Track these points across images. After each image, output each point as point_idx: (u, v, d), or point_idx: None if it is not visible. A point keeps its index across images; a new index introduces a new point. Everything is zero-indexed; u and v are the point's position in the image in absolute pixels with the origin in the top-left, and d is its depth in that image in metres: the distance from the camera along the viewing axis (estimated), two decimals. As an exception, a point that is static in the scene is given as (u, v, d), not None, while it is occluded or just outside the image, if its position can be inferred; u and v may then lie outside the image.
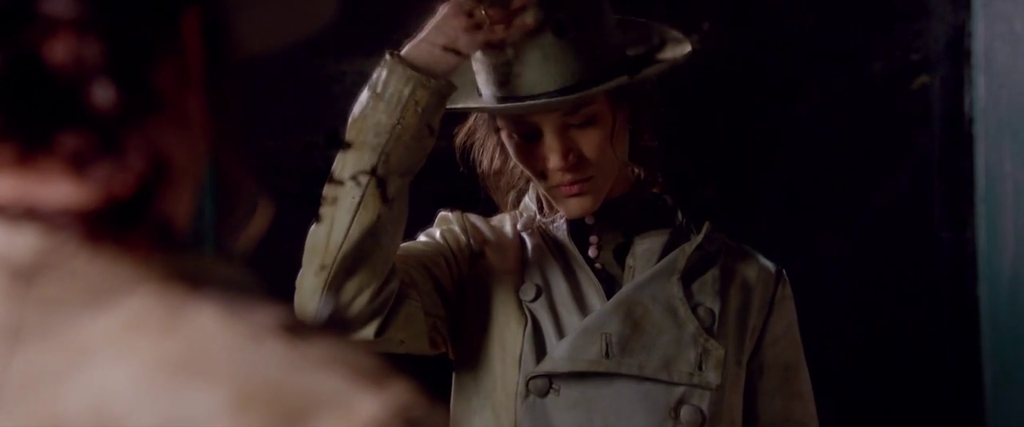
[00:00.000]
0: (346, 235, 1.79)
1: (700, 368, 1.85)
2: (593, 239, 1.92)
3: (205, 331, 0.75)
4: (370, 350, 0.78)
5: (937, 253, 3.12)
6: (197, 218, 0.84)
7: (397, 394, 0.75)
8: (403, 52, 1.78)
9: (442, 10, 1.78)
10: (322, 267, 1.78)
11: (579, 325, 1.85)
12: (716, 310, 1.88)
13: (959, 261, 3.12)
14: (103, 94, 0.76)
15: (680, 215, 1.95)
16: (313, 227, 1.83)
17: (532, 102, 1.78)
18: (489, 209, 1.98)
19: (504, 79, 1.80)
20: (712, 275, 1.90)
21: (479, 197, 1.98)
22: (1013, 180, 2.95)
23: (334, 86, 3.06)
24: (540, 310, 1.88)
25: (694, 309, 1.87)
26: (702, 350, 1.85)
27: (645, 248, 1.91)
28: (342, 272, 1.77)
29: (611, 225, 1.91)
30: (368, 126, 1.78)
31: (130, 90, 0.77)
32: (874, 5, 3.14)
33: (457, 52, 1.75)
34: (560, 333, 1.87)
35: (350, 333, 1.71)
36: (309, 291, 1.77)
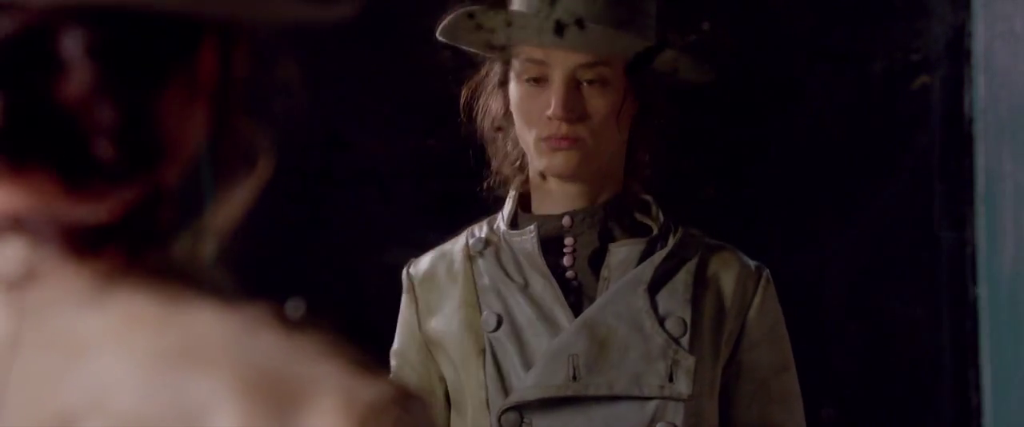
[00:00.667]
0: None
1: (671, 379, 1.80)
2: (568, 244, 1.87)
3: (201, 324, 0.76)
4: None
5: (937, 253, 3.12)
6: (197, 176, 0.84)
7: (391, 382, 0.76)
8: None
9: None
10: None
11: (545, 350, 1.81)
12: (687, 318, 1.83)
13: (959, 261, 3.12)
14: (106, 148, 0.76)
15: (661, 218, 1.90)
16: None
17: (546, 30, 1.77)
18: (489, 209, 1.97)
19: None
20: (683, 282, 1.85)
21: (479, 197, 1.98)
22: (1013, 180, 2.95)
23: (334, 86, 3.06)
24: (503, 340, 1.83)
25: (662, 321, 1.82)
26: (672, 361, 1.80)
27: (621, 259, 1.86)
28: None
29: (588, 229, 1.87)
30: None
31: (134, 144, 0.77)
32: (874, 5, 3.14)
33: None
34: (525, 360, 1.82)
35: None
36: None
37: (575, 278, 1.86)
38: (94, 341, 0.74)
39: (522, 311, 1.83)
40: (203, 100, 0.81)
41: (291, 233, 3.04)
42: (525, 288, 1.84)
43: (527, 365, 1.81)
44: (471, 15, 1.81)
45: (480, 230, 1.92)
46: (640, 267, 1.84)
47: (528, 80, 1.81)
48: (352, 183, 3.08)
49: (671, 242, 1.86)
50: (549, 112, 1.78)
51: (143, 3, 0.75)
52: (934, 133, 3.12)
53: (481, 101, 1.90)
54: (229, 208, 0.82)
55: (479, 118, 1.90)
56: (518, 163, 1.90)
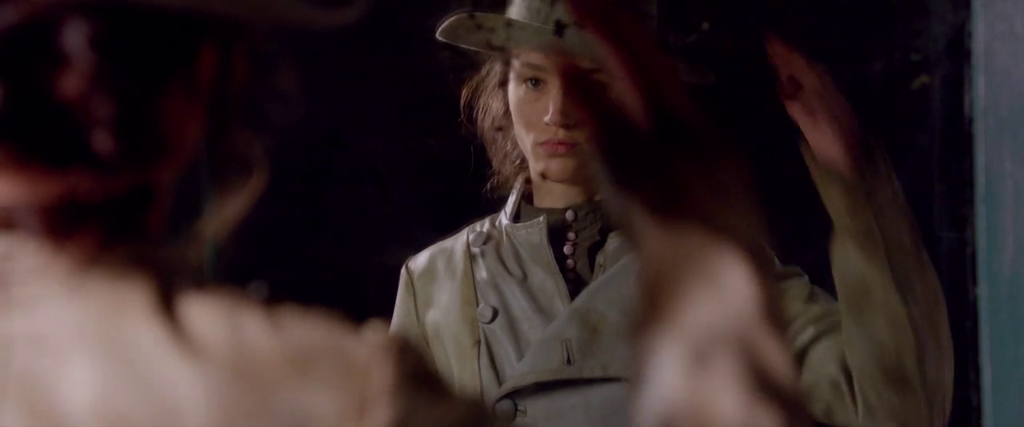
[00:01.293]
0: None
1: None
2: (570, 238, 1.89)
3: (188, 312, 0.75)
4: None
5: (937, 253, 3.12)
6: (194, 184, 0.84)
7: (379, 333, 0.78)
8: None
9: None
10: None
11: (538, 337, 1.82)
12: None
13: (959, 261, 3.12)
14: (104, 141, 0.76)
15: None
16: None
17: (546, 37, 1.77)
18: (489, 209, 1.98)
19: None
20: None
21: (479, 197, 1.98)
22: (1013, 180, 2.95)
23: (334, 86, 3.06)
24: (498, 332, 1.84)
25: None
26: None
27: (615, 246, 1.87)
28: None
29: (590, 224, 1.89)
30: None
31: (132, 139, 0.77)
32: (874, 5, 3.14)
33: None
34: (519, 351, 1.83)
35: None
36: None
37: (573, 269, 1.88)
38: (84, 334, 0.74)
39: (518, 303, 1.85)
40: (201, 103, 0.81)
41: (291, 233, 3.04)
42: (523, 281, 1.86)
43: (521, 356, 1.82)
44: (472, 16, 1.82)
45: (482, 226, 1.94)
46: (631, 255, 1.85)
47: (527, 82, 1.82)
48: (352, 183, 3.08)
49: None
50: (547, 118, 1.79)
51: None
52: (934, 133, 3.12)
53: (481, 101, 1.91)
54: (224, 215, 0.82)
55: (479, 118, 1.92)
56: (519, 162, 1.92)
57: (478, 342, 1.83)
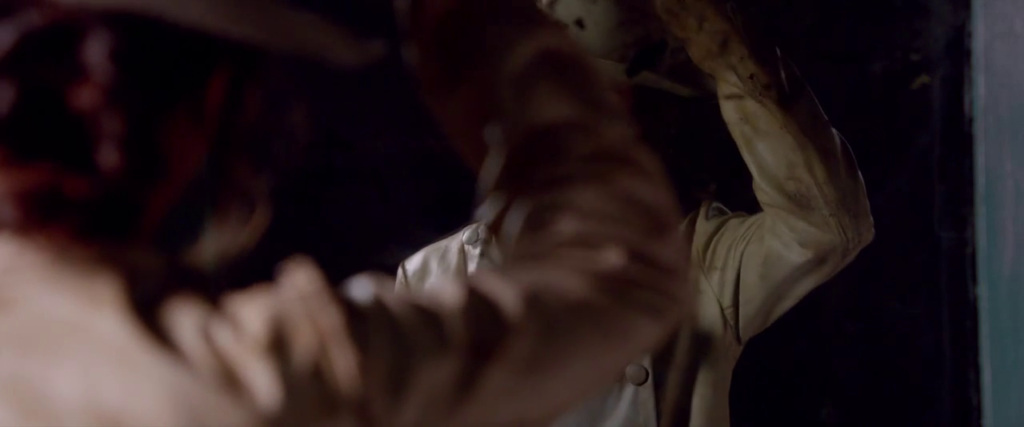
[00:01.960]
0: None
1: None
2: None
3: (163, 309, 0.75)
4: None
5: (937, 253, 3.12)
6: (195, 218, 0.84)
7: (310, 279, 0.79)
8: None
9: None
10: None
11: None
12: None
13: (959, 261, 3.12)
14: (109, 156, 0.76)
15: None
16: None
17: None
18: (489, 209, 1.98)
19: None
20: None
21: (479, 197, 1.98)
22: (1013, 180, 2.95)
23: (334, 86, 3.06)
24: None
25: None
26: None
27: None
28: None
29: None
30: None
31: (137, 157, 0.77)
32: (874, 5, 3.14)
33: None
34: None
35: None
36: None
37: None
38: (70, 332, 0.74)
39: None
40: (206, 132, 0.81)
41: (291, 233, 3.04)
42: None
43: None
44: None
45: (478, 225, 1.94)
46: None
47: None
48: (352, 183, 3.08)
49: None
50: None
51: (169, 12, 0.75)
52: (934, 133, 3.12)
53: None
54: (220, 247, 0.82)
55: None
56: None
57: None
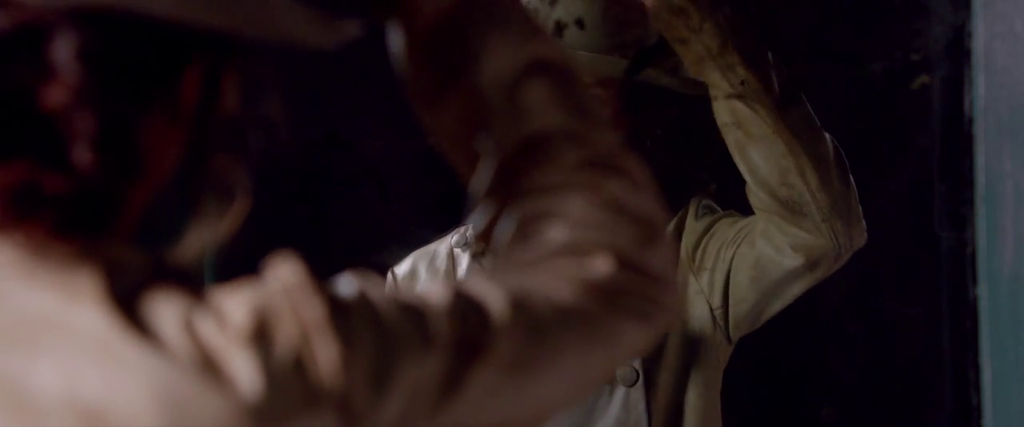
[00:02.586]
0: None
1: None
2: None
3: (143, 303, 0.75)
4: None
5: (937, 253, 3.12)
6: (176, 212, 0.84)
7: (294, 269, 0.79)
8: None
9: None
10: None
11: None
12: None
13: (959, 261, 3.12)
14: (83, 154, 0.76)
15: None
16: None
17: None
18: (489, 209, 1.97)
19: None
20: None
21: (472, 201, 1.98)
22: (1013, 180, 2.95)
23: (334, 86, 3.06)
24: None
25: None
26: None
27: None
28: None
29: None
30: None
31: (111, 155, 0.77)
32: (874, 5, 3.14)
33: None
34: None
35: None
36: None
37: None
38: (48, 328, 0.74)
39: None
40: (184, 127, 0.81)
41: (291, 233, 3.04)
42: None
43: None
44: None
45: (466, 229, 1.94)
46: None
47: None
48: (352, 183, 3.08)
49: None
50: None
51: (138, 7, 0.75)
52: (934, 133, 3.12)
53: None
54: (201, 238, 0.82)
55: None
56: None
57: None
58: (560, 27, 1.75)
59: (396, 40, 0.94)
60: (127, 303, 0.74)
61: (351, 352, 0.75)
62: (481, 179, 0.90)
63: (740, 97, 1.77)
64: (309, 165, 3.05)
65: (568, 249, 0.86)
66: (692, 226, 1.93)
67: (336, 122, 3.03)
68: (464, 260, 1.90)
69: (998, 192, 3.01)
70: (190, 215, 0.82)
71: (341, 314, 0.76)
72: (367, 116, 3.03)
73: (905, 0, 3.13)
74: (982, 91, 3.07)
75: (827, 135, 1.88)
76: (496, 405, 0.80)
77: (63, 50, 0.75)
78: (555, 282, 0.83)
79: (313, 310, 0.75)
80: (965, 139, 3.10)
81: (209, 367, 0.73)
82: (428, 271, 1.92)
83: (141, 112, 0.78)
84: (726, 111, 1.81)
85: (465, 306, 0.80)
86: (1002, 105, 2.99)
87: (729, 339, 1.89)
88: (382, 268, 2.05)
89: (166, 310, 0.74)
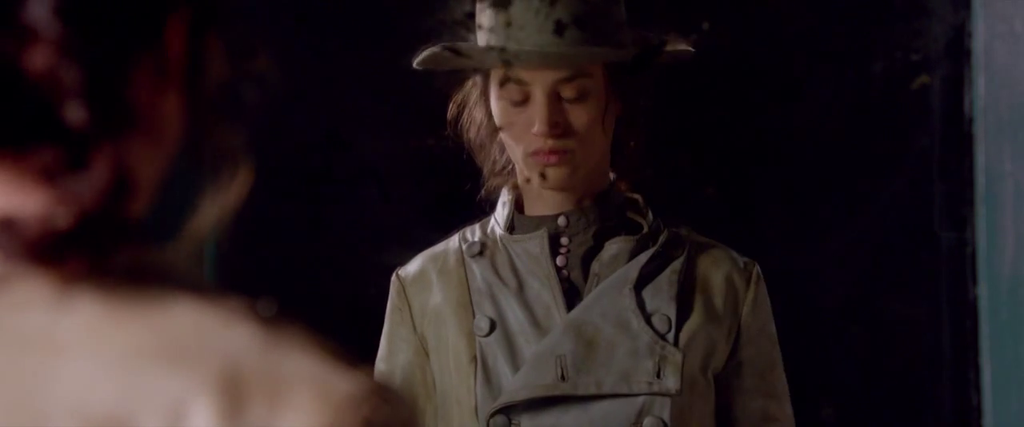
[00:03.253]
0: None
1: (658, 376, 1.80)
2: (564, 244, 1.87)
3: (175, 320, 0.75)
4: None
5: (937, 253, 3.12)
6: (178, 189, 0.84)
7: (369, 375, 0.75)
8: None
9: None
10: None
11: (533, 352, 1.81)
12: (672, 316, 1.83)
13: (959, 261, 3.12)
14: (76, 111, 0.75)
15: (650, 216, 1.91)
16: None
17: (528, 51, 1.76)
18: (489, 211, 1.97)
19: (503, 32, 1.77)
20: (668, 280, 1.85)
21: (479, 197, 1.98)
22: (1013, 180, 2.95)
23: (334, 86, 3.06)
24: (494, 346, 1.83)
25: (648, 318, 1.83)
26: (660, 357, 1.80)
27: (612, 254, 1.86)
28: None
29: (583, 229, 1.87)
30: None
31: (104, 107, 0.76)
32: (874, 5, 3.14)
33: None
34: (515, 366, 1.82)
35: None
36: None
37: (568, 278, 1.86)
38: (68, 341, 0.74)
39: (515, 315, 1.83)
40: (174, 81, 0.80)
41: (291, 233, 3.04)
42: (520, 291, 1.85)
43: (517, 369, 1.81)
44: (451, 49, 1.83)
45: (473, 234, 1.92)
46: (627, 266, 1.84)
47: (509, 100, 1.81)
48: (352, 183, 3.08)
49: (659, 241, 1.86)
50: (534, 129, 1.78)
51: None
52: (934, 133, 3.12)
53: (465, 114, 1.90)
54: (216, 211, 0.82)
55: (465, 129, 1.91)
56: (509, 168, 1.91)
57: (474, 359, 1.82)
58: (560, 27, 1.75)
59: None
60: (164, 320, 0.75)
61: None
62: None
63: None
64: (309, 165, 3.05)
65: None
66: (761, 300, 1.91)
67: (336, 122, 3.04)
68: (475, 268, 1.88)
69: (998, 192, 3.01)
70: (198, 185, 0.82)
71: None
72: (367, 116, 3.03)
73: (905, 0, 3.14)
74: (982, 91, 3.07)
75: None
76: None
77: (39, 8, 0.75)
78: None
79: (354, 418, 0.75)
80: (965, 139, 3.11)
81: None
82: (440, 278, 1.90)
83: (127, 64, 0.78)
84: None
85: None
86: (1002, 105, 2.99)
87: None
88: (382, 268, 2.05)
89: (201, 330, 0.75)
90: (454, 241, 1.93)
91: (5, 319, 0.75)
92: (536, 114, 1.78)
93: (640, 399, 1.79)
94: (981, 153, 3.08)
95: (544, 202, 1.87)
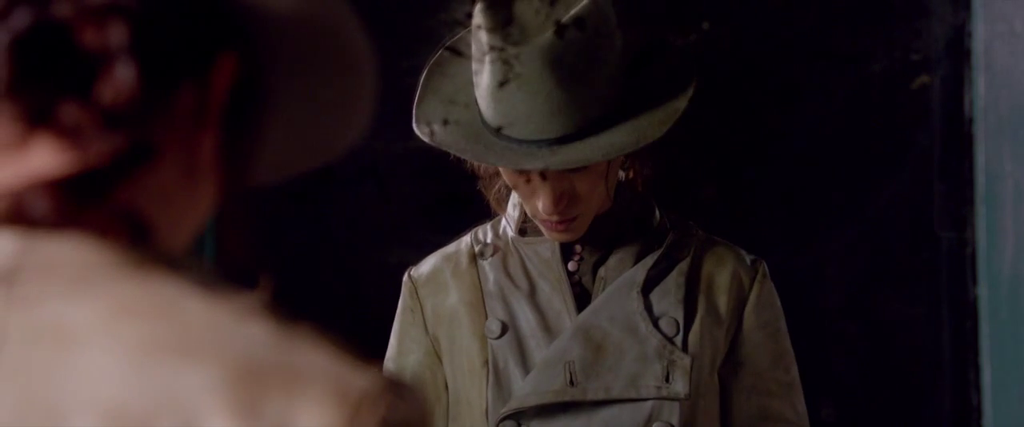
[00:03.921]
0: None
1: (667, 380, 1.80)
2: (577, 250, 1.88)
3: (191, 314, 0.75)
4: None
5: (937, 253, 3.12)
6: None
7: (383, 372, 0.76)
8: None
9: None
10: None
11: (542, 357, 1.81)
12: (680, 319, 1.83)
13: (959, 261, 3.12)
14: (123, 72, 0.77)
15: (658, 217, 1.90)
16: None
17: (525, 154, 1.73)
18: (489, 209, 1.97)
19: (499, 107, 1.75)
20: (675, 283, 1.85)
21: (479, 198, 1.98)
22: (1013, 180, 2.95)
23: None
24: (505, 348, 1.83)
25: (656, 322, 1.82)
26: (668, 362, 1.80)
27: (619, 258, 1.86)
28: None
29: (594, 239, 1.87)
30: None
31: (143, 78, 0.78)
32: (874, 5, 3.14)
33: None
34: (526, 369, 1.82)
35: None
36: None
37: (579, 283, 1.86)
38: (82, 333, 0.74)
39: (526, 319, 1.83)
40: (212, 125, 0.81)
41: (291, 233, 3.04)
42: (531, 294, 1.85)
43: (527, 373, 1.81)
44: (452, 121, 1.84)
45: (485, 235, 1.92)
46: (633, 270, 1.84)
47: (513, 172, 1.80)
48: (352, 183, 3.08)
49: (665, 243, 1.86)
50: (540, 207, 1.77)
51: None
52: (934, 133, 3.12)
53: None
54: (234, 230, 0.83)
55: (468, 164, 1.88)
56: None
57: (486, 362, 1.82)
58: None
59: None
60: (180, 313, 0.75)
61: None
62: None
63: None
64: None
65: None
66: (765, 297, 1.90)
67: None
68: (487, 269, 1.88)
69: (998, 192, 3.01)
70: (224, 209, 0.83)
71: None
72: (367, 116, 3.03)
73: (905, 0, 3.14)
74: (982, 91, 3.07)
75: None
76: None
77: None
78: None
79: (370, 413, 0.75)
80: (965, 139, 3.11)
81: None
82: (454, 280, 1.90)
83: (174, 80, 0.79)
84: None
85: None
86: (1002, 105, 2.99)
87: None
88: (382, 268, 2.05)
89: (216, 323, 0.75)
90: (466, 241, 1.93)
91: (19, 312, 0.76)
92: (541, 195, 1.78)
93: (649, 404, 1.79)
94: (981, 153, 3.08)
95: None
